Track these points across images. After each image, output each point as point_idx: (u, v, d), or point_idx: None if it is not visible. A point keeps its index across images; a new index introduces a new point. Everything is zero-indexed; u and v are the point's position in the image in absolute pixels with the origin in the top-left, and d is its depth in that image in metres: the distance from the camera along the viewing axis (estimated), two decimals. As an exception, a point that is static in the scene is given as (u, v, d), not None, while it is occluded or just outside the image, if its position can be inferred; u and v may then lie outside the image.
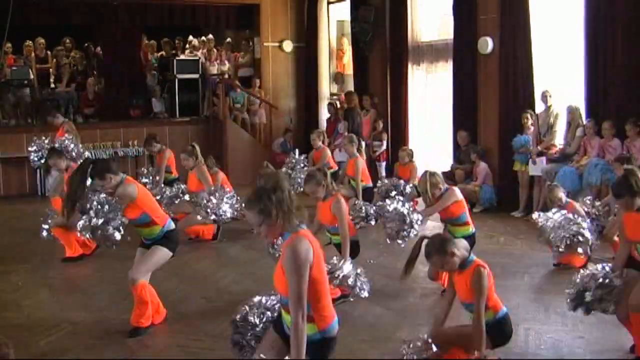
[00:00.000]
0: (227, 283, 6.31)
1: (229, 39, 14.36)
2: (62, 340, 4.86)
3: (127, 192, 4.78)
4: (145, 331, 4.90)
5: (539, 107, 9.17)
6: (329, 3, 13.14)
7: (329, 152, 9.64)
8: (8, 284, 6.29)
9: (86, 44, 13.12)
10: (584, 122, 8.34)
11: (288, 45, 13.38)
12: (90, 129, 11.42)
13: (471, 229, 5.68)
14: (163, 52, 13.62)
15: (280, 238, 3.13)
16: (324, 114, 13.05)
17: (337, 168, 9.59)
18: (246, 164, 9.46)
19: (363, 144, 9.74)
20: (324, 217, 5.51)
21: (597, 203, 6.69)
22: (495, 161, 9.42)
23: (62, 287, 6.20)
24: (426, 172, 5.73)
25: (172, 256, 5.09)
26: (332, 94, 13.35)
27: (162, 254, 4.95)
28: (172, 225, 5.05)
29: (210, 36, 14.00)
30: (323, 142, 9.57)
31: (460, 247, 4.03)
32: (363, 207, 7.42)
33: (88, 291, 6.01)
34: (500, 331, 3.92)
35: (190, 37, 14.05)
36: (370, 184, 8.67)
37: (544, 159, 8.53)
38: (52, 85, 12.68)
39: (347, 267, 5.15)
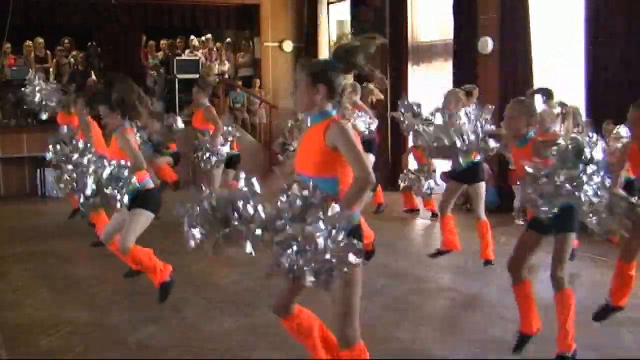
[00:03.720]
0: (227, 283, 6.31)
1: (229, 39, 14.36)
2: (62, 340, 4.85)
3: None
4: (173, 283, 5.07)
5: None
6: (329, 3, 13.14)
7: None
8: (8, 284, 6.29)
9: (89, 44, 13.12)
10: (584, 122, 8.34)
11: (288, 45, 13.38)
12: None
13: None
14: (168, 52, 13.59)
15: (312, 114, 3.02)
16: (324, 114, 13.06)
17: None
18: (246, 164, 9.45)
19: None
20: None
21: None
22: (495, 161, 9.41)
23: (62, 287, 6.20)
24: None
25: (157, 218, 5.14)
26: (332, 94, 13.34)
27: (143, 218, 4.95)
28: (150, 184, 5.01)
29: (210, 36, 14.00)
30: None
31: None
32: None
33: (88, 291, 6.01)
34: None
35: (191, 37, 14.05)
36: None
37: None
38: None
39: None
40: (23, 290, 6.12)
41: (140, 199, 4.90)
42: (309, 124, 3.00)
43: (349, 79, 8.80)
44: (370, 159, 8.14)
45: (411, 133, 8.53)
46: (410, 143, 9.88)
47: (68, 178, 4.72)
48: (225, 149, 7.98)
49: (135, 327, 5.01)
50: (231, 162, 8.19)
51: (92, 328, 5.08)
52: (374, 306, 5.36)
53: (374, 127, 8.25)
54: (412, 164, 9.44)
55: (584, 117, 8.45)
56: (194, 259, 7.13)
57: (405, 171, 9.12)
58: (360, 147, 2.86)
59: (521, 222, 6.48)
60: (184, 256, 7.01)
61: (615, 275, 4.69)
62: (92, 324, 5.17)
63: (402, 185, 9.07)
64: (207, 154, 7.72)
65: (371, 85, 8.98)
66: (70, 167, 4.72)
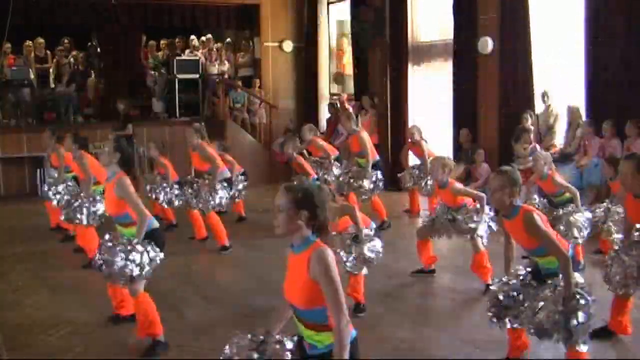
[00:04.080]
0: (227, 283, 6.31)
1: (229, 39, 14.36)
2: (62, 340, 4.86)
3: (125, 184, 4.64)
4: (165, 345, 4.70)
5: (539, 107, 9.18)
6: (329, 3, 13.15)
7: (320, 141, 9.37)
8: (8, 284, 6.29)
9: (89, 44, 13.12)
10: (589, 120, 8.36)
11: (288, 45, 13.38)
12: (90, 129, 11.41)
13: None
14: (168, 52, 13.58)
15: (293, 242, 2.95)
16: (324, 114, 13.07)
17: (337, 153, 9.43)
18: (246, 164, 9.44)
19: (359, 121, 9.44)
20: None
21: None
22: (495, 161, 9.41)
23: (62, 287, 6.20)
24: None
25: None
26: (332, 94, 13.35)
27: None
28: (155, 224, 4.82)
29: (210, 36, 14.00)
30: (316, 136, 9.24)
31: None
32: None
33: (88, 291, 6.01)
34: None
35: (191, 37, 14.05)
36: (377, 157, 8.57)
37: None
38: (52, 85, 12.68)
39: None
40: (23, 290, 6.12)
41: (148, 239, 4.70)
42: (292, 252, 2.95)
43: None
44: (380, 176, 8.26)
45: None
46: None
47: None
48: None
49: (135, 327, 5.01)
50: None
51: (92, 328, 5.09)
52: (374, 306, 5.36)
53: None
54: (412, 162, 9.41)
55: (584, 117, 8.53)
56: (194, 258, 7.15)
57: (407, 170, 9.09)
58: (338, 280, 2.82)
59: None
60: (184, 256, 7.05)
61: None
62: (92, 324, 5.18)
63: (406, 185, 9.04)
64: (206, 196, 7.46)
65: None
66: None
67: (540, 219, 3.91)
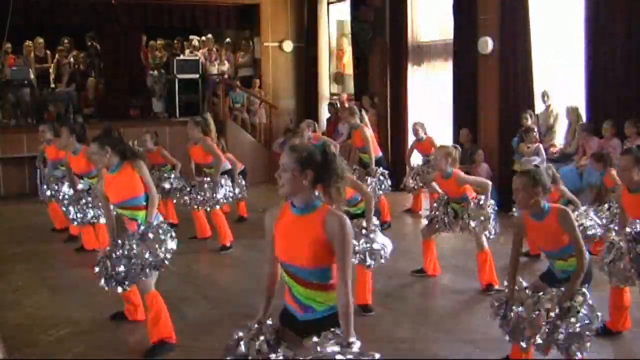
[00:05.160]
0: (227, 283, 6.31)
1: (228, 39, 14.36)
2: (62, 340, 4.86)
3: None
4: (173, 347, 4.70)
5: (539, 107, 9.18)
6: (329, 3, 13.15)
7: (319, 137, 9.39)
8: (8, 284, 6.29)
9: (89, 44, 13.12)
10: (584, 122, 8.37)
11: (288, 45, 13.38)
12: (90, 129, 11.34)
13: None
14: (168, 52, 13.57)
15: (295, 203, 2.94)
16: (324, 114, 13.07)
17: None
18: (246, 164, 9.45)
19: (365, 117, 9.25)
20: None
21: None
22: (495, 161, 9.42)
23: (62, 287, 6.20)
24: None
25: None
26: (332, 94, 13.35)
27: None
28: (160, 218, 4.84)
29: (210, 36, 14.00)
30: (314, 132, 9.07)
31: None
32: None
33: (88, 291, 6.00)
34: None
35: (191, 37, 14.06)
36: (380, 154, 8.60)
37: (537, 158, 8.52)
38: (52, 85, 12.68)
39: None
40: (23, 290, 6.12)
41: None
42: (293, 212, 2.94)
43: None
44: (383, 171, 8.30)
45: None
46: (410, 138, 9.89)
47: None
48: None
49: (135, 327, 5.02)
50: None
51: (92, 328, 5.09)
52: (375, 306, 5.36)
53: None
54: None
55: (584, 117, 8.53)
56: (194, 258, 7.14)
57: (409, 172, 9.07)
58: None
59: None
60: (184, 256, 7.04)
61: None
62: (92, 324, 5.18)
63: (412, 185, 9.01)
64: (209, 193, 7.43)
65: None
66: None
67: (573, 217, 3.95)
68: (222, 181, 7.48)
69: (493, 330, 4.74)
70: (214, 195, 7.34)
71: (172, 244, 4.66)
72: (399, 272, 6.42)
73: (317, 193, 2.91)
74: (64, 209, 7.29)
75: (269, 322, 3.10)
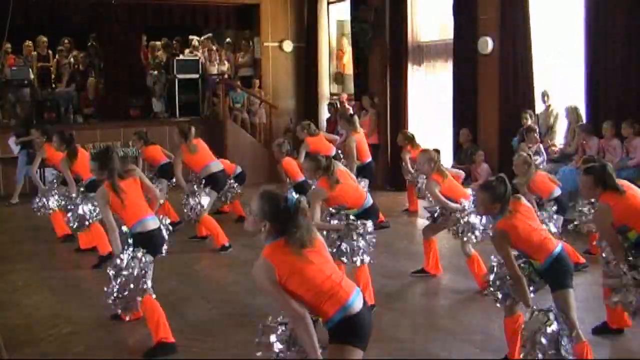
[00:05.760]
0: (227, 283, 6.31)
1: (229, 39, 14.36)
2: (62, 340, 4.86)
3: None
4: (173, 347, 4.70)
5: (539, 107, 9.18)
6: (329, 3, 13.14)
7: (320, 137, 9.17)
8: (8, 284, 6.30)
9: (89, 44, 13.12)
10: (583, 122, 8.37)
11: (288, 45, 13.38)
12: (90, 129, 11.41)
13: None
14: (168, 52, 13.55)
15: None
16: (324, 114, 13.07)
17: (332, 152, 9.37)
18: (246, 164, 9.46)
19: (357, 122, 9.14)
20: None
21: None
22: (495, 161, 9.42)
23: (62, 287, 6.20)
24: None
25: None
26: (332, 94, 13.35)
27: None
28: (147, 227, 4.79)
29: (210, 36, 14.00)
30: (311, 135, 8.86)
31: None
32: None
33: (88, 291, 6.01)
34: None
35: (191, 37, 14.05)
36: (369, 159, 8.63)
37: (538, 157, 8.52)
38: (53, 85, 12.68)
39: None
40: (23, 290, 6.12)
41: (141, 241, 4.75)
42: None
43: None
44: (363, 183, 8.09)
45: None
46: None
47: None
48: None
49: (135, 327, 5.02)
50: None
51: (92, 328, 5.09)
52: (372, 307, 5.36)
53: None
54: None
55: (584, 117, 8.53)
56: (194, 258, 7.14)
57: (404, 165, 9.06)
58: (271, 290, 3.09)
59: None
60: (184, 256, 7.05)
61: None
62: (92, 324, 5.18)
63: (407, 177, 9.02)
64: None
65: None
66: None
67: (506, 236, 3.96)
68: (199, 190, 7.44)
69: (493, 330, 4.75)
70: (196, 205, 7.32)
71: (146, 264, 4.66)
72: (399, 272, 6.43)
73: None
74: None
75: None
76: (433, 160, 5.80)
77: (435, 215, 6.07)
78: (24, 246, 7.74)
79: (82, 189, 7.21)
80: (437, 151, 5.94)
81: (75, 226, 7.08)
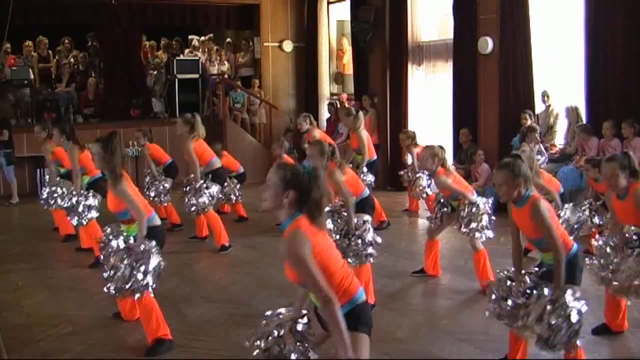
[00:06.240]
0: (227, 283, 6.31)
1: (229, 39, 14.36)
2: (62, 340, 4.86)
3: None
4: (172, 344, 4.72)
5: (539, 107, 9.18)
6: (329, 3, 13.14)
7: (318, 131, 9.36)
8: (8, 284, 6.29)
9: (90, 43, 13.12)
10: (583, 122, 8.37)
11: (288, 45, 13.39)
12: (90, 129, 11.40)
13: None
14: (168, 52, 13.55)
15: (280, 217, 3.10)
16: (324, 114, 13.07)
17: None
18: (246, 164, 9.46)
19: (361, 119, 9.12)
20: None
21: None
22: (496, 161, 9.41)
23: (62, 287, 6.20)
24: None
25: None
26: (332, 94, 13.36)
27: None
28: (157, 221, 4.86)
29: (211, 36, 14.00)
30: (311, 124, 9.03)
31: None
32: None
33: (88, 291, 6.01)
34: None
35: (191, 37, 14.05)
36: (375, 158, 8.65)
37: (540, 157, 8.52)
38: (53, 85, 12.68)
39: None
40: (23, 290, 6.12)
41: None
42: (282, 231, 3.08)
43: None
44: (370, 178, 8.28)
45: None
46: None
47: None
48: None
49: (135, 327, 5.01)
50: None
51: (92, 328, 5.09)
52: (374, 306, 5.36)
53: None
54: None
55: (584, 117, 8.53)
56: (194, 258, 7.14)
57: (405, 170, 9.10)
58: (309, 264, 2.92)
59: None
60: (184, 256, 7.05)
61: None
62: (92, 324, 5.18)
63: (405, 183, 9.07)
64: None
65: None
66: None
67: (547, 209, 3.87)
68: (207, 184, 7.39)
69: (493, 330, 4.75)
70: (199, 200, 7.27)
71: (154, 262, 4.60)
72: (399, 272, 6.43)
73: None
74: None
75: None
76: (437, 156, 5.77)
77: (438, 216, 6.08)
78: (24, 246, 7.74)
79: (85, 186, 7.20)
80: (442, 147, 5.93)
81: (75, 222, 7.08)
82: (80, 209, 6.94)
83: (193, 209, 7.34)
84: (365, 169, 8.29)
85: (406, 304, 5.64)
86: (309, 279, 2.90)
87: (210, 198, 7.32)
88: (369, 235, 5.30)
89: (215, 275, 6.65)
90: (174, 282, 6.16)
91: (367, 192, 5.66)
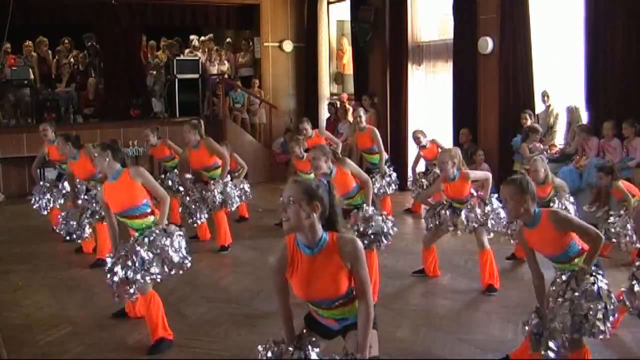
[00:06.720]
0: (227, 283, 6.31)
1: (229, 39, 14.36)
2: (62, 340, 4.86)
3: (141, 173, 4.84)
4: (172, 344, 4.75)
5: (539, 107, 9.18)
6: (329, 3, 13.15)
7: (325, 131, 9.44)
8: (8, 284, 6.29)
9: (90, 43, 13.11)
10: (583, 122, 8.37)
11: (288, 45, 13.39)
12: (90, 129, 11.40)
13: None
14: (168, 52, 13.55)
15: (301, 240, 2.93)
16: (324, 114, 13.07)
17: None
18: (246, 164, 9.46)
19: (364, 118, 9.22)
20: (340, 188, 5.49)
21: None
22: (496, 161, 9.42)
23: (62, 287, 6.20)
24: None
25: None
26: (332, 94, 13.36)
27: None
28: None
29: (211, 36, 14.01)
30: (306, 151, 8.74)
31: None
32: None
33: (88, 291, 6.01)
34: None
35: (191, 37, 14.05)
36: (387, 155, 8.79)
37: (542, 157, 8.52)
38: (53, 85, 12.68)
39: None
40: (23, 290, 6.12)
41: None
42: (304, 254, 2.90)
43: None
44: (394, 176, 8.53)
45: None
46: (410, 139, 9.85)
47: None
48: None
49: (134, 327, 5.02)
50: None
51: (92, 328, 5.08)
52: (374, 306, 5.35)
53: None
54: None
55: (584, 117, 8.53)
56: (194, 258, 7.12)
57: (417, 177, 9.08)
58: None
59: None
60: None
61: None
62: (92, 324, 5.18)
63: (415, 192, 9.03)
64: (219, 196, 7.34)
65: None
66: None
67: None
68: (230, 182, 7.46)
69: (493, 330, 4.75)
70: (223, 196, 7.28)
71: (182, 243, 4.78)
72: (399, 272, 6.42)
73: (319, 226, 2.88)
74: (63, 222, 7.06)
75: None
76: (457, 157, 5.83)
77: (430, 227, 6.10)
78: (24, 246, 7.74)
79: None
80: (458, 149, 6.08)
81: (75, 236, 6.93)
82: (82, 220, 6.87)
83: (218, 200, 7.25)
84: (388, 168, 8.47)
85: (406, 304, 5.64)
86: (367, 280, 2.95)
87: (243, 194, 7.64)
88: (389, 224, 5.51)
89: (216, 275, 6.65)
90: (174, 282, 6.15)
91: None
